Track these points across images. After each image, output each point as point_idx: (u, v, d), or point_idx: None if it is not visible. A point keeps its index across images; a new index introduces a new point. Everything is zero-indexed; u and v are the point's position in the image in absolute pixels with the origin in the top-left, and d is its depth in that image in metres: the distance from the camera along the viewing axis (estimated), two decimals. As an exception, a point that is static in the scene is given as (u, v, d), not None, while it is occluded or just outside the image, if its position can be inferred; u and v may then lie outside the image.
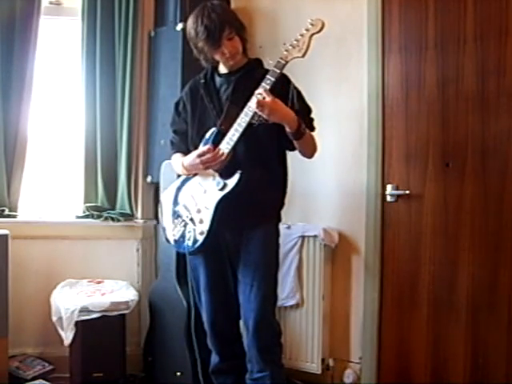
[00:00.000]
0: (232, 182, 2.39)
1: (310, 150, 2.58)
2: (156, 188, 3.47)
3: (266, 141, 2.47)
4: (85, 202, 3.50)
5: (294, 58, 2.33)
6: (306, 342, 3.25)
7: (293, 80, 2.56)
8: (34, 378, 3.10)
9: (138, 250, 3.57)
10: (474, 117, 2.87)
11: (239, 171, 2.38)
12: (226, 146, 2.41)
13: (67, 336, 3.05)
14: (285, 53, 2.34)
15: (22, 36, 3.30)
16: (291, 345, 3.24)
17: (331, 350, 3.29)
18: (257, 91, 2.33)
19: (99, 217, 3.48)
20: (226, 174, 2.43)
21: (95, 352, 3.08)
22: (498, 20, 2.79)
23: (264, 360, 2.49)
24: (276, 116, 2.35)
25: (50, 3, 3.50)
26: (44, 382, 3.08)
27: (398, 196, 3.08)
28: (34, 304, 3.34)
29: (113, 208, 3.55)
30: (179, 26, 3.31)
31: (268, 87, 2.33)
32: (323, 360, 3.25)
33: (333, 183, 3.32)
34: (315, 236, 3.21)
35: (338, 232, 3.26)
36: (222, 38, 2.42)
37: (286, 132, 2.42)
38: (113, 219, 3.48)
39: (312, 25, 2.33)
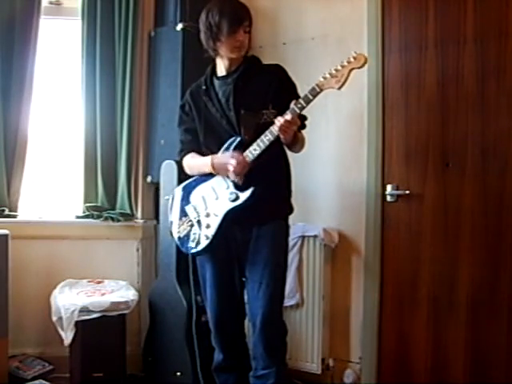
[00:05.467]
0: (244, 195, 2.42)
1: (298, 150, 2.60)
2: (156, 188, 3.47)
3: None
4: (85, 202, 3.50)
5: (330, 87, 2.32)
6: (306, 342, 3.25)
7: (294, 80, 2.57)
8: (34, 378, 3.10)
9: (138, 250, 3.57)
10: (473, 117, 2.87)
11: (253, 187, 2.40)
12: (249, 156, 2.42)
13: (67, 336, 3.04)
14: (322, 80, 2.31)
15: (22, 36, 3.30)
16: (291, 345, 3.21)
17: (331, 350, 3.29)
18: (291, 104, 2.33)
19: (99, 217, 3.48)
20: (240, 184, 2.45)
21: (95, 352, 3.07)
22: (498, 20, 2.79)
23: (270, 357, 2.51)
24: (288, 139, 2.40)
25: (50, 3, 3.50)
26: (44, 382, 3.08)
27: (398, 196, 3.09)
28: (34, 304, 3.33)
29: (113, 208, 3.55)
30: (179, 26, 3.32)
31: (298, 111, 2.33)
32: (323, 360, 3.25)
33: (333, 183, 3.32)
34: (315, 236, 3.22)
35: (338, 232, 3.26)
36: (242, 24, 2.46)
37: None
38: (113, 219, 3.48)
39: (354, 58, 2.29)
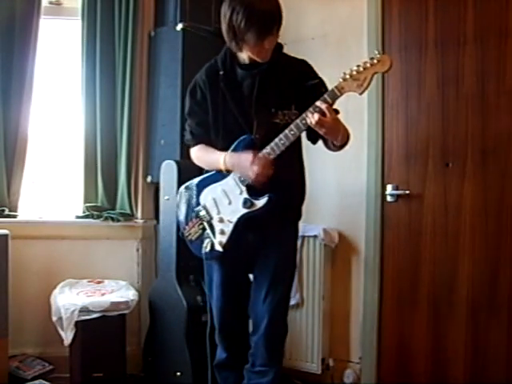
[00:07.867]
0: (260, 203, 2.29)
1: (342, 140, 2.34)
2: (156, 188, 3.47)
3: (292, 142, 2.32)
4: (85, 202, 3.50)
5: (351, 91, 2.10)
6: (305, 342, 3.25)
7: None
8: (34, 378, 3.10)
9: (138, 250, 3.57)
10: (473, 117, 2.87)
11: (268, 194, 2.26)
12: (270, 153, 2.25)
13: (67, 336, 3.04)
14: (341, 81, 2.09)
15: (22, 36, 3.30)
16: (291, 345, 3.24)
17: (331, 350, 3.29)
18: (317, 103, 2.13)
19: (99, 217, 3.48)
20: (254, 190, 2.31)
21: (95, 352, 3.07)
22: (498, 20, 2.79)
23: (270, 357, 2.49)
24: (333, 135, 2.24)
25: (50, 3, 3.50)
26: (44, 382, 3.08)
27: (398, 196, 3.09)
28: (34, 304, 3.33)
29: (113, 208, 3.54)
30: (179, 26, 3.32)
31: (323, 106, 2.11)
32: (323, 360, 3.25)
33: (333, 183, 3.32)
34: (315, 236, 3.22)
35: (338, 232, 3.26)
36: (271, 32, 2.19)
37: (330, 142, 2.31)
38: (113, 219, 3.48)
39: (378, 61, 2.05)
